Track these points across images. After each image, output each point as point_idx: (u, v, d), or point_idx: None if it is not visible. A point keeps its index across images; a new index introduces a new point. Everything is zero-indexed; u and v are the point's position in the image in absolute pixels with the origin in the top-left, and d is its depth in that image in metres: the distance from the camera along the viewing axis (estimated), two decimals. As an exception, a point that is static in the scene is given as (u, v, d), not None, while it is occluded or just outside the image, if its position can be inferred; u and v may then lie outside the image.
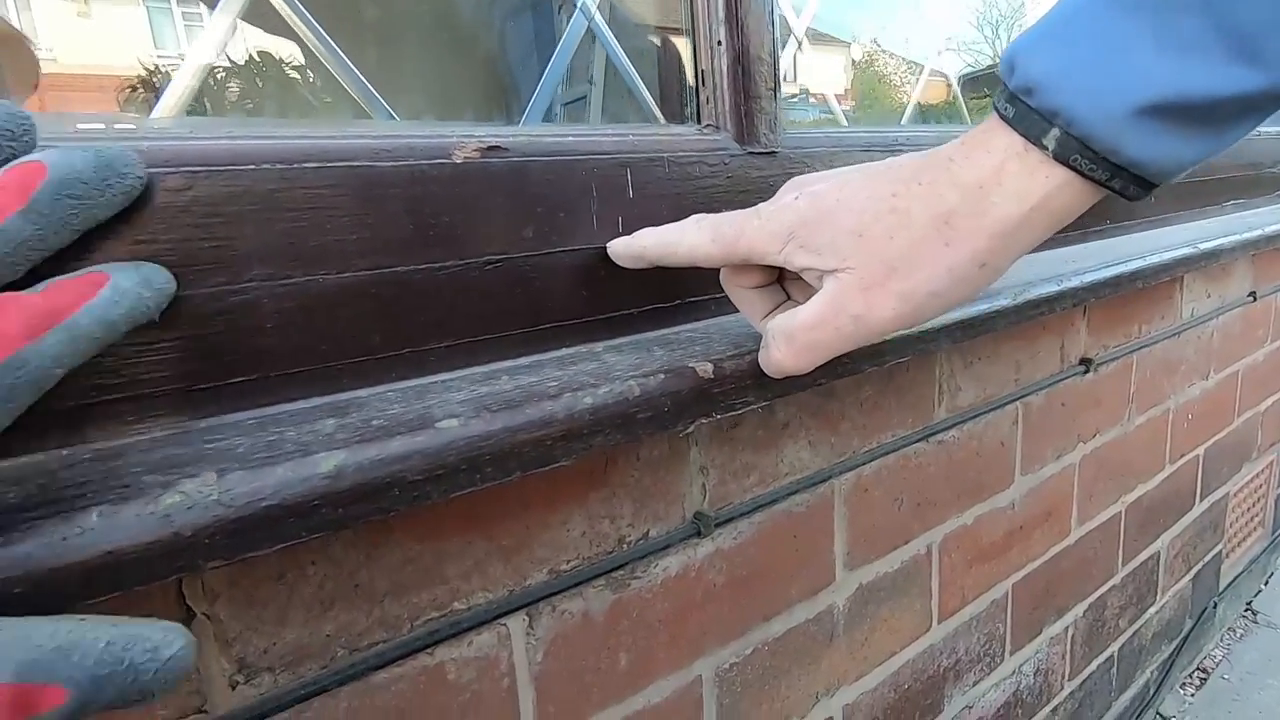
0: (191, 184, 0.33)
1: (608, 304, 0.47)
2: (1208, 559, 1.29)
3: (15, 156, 0.27)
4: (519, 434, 0.35)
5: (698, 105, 0.54)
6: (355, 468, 0.30)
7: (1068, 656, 0.98)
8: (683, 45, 0.55)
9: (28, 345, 0.24)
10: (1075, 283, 0.66)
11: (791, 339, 0.37)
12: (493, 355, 0.43)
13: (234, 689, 0.37)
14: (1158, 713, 1.23)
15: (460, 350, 0.42)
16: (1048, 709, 0.96)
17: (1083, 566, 0.97)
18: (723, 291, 0.44)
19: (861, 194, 0.34)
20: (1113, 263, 0.72)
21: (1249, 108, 0.29)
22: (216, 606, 0.36)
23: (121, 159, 0.29)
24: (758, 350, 0.42)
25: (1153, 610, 1.16)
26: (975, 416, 0.75)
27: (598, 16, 0.60)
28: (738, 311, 0.53)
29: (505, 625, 0.45)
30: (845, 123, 0.94)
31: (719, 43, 0.51)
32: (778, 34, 0.54)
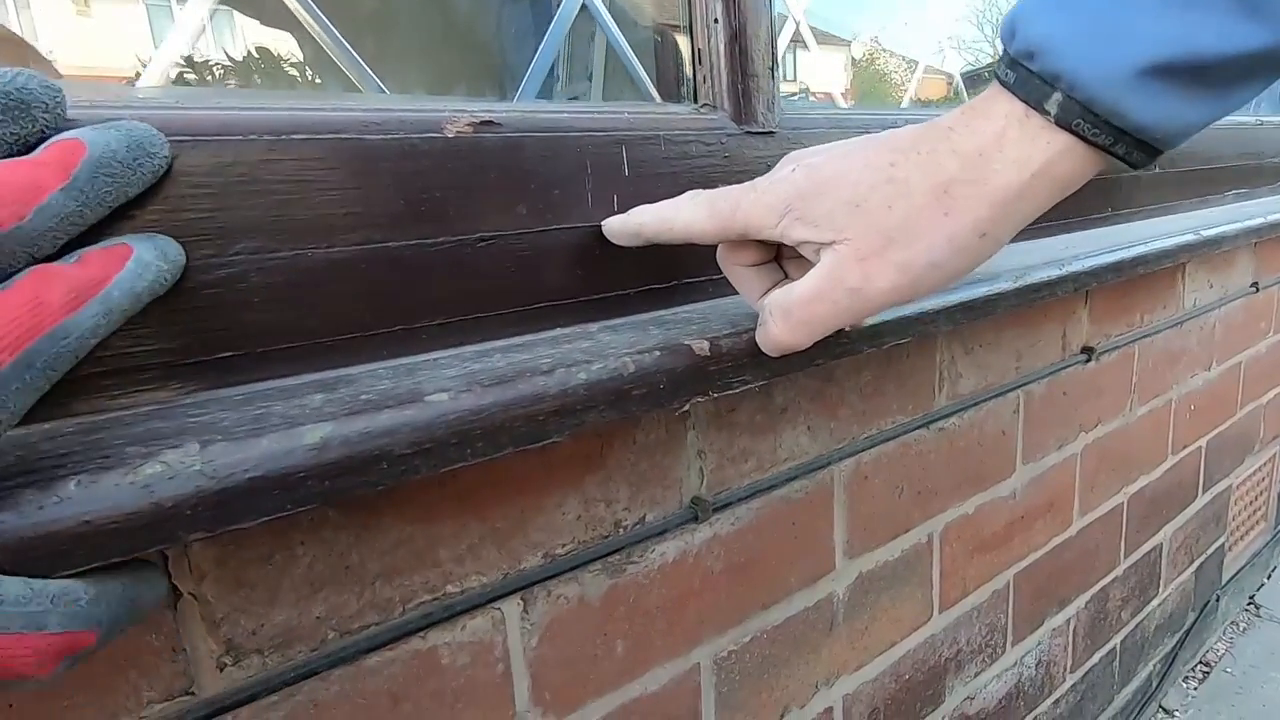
0: (178, 154, 0.32)
1: (603, 284, 0.46)
2: (1210, 552, 1.28)
3: (49, 128, 0.27)
4: (511, 409, 0.34)
5: (694, 84, 0.53)
6: (342, 440, 0.30)
7: (1070, 648, 0.97)
8: (680, 34, 0.55)
9: (69, 317, 0.25)
10: (1077, 267, 0.65)
11: (788, 314, 0.36)
12: (486, 334, 0.42)
13: (222, 670, 0.36)
14: (1161, 706, 1.22)
15: (453, 328, 0.41)
16: (1049, 701, 0.96)
17: (1085, 558, 0.96)
18: (721, 272, 0.43)
19: (859, 164, 0.34)
20: (1115, 248, 0.72)
21: (1254, 67, 0.29)
22: (204, 586, 0.35)
23: (151, 139, 0.30)
24: (755, 329, 0.41)
25: (1155, 603, 1.15)
26: (976, 404, 0.74)
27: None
28: (736, 293, 0.52)
29: (499, 609, 0.45)
30: (844, 111, 0.93)
31: (715, 20, 0.50)
32: (775, 12, 0.53)
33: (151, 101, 0.34)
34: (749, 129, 0.52)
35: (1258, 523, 1.45)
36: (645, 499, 0.50)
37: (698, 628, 0.55)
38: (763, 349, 0.40)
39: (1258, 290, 1.20)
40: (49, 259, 0.27)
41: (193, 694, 0.35)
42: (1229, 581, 1.37)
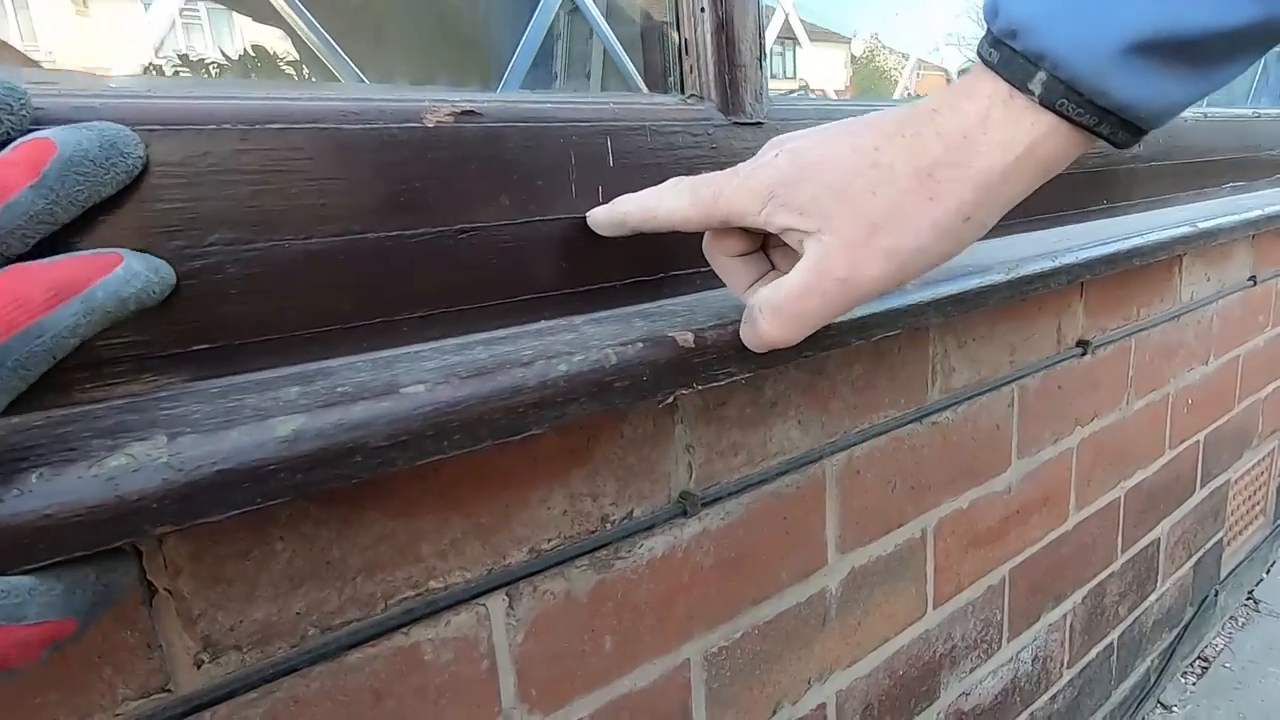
0: (149, 143, 0.32)
1: (589, 276, 0.46)
2: (1209, 546, 1.28)
3: (14, 130, 0.28)
4: (489, 401, 0.33)
5: (681, 75, 0.52)
6: (315, 432, 0.29)
7: (1067, 644, 0.97)
8: (668, 26, 0.54)
9: (47, 315, 0.25)
10: (1070, 259, 0.65)
11: (779, 310, 0.36)
12: (469, 327, 0.42)
13: (199, 668, 0.35)
14: (1159, 701, 1.22)
15: (435, 321, 0.40)
16: (1046, 697, 0.95)
17: (1081, 553, 0.95)
18: (708, 264, 0.43)
19: (844, 149, 0.33)
20: (1109, 240, 0.71)
21: (1242, 43, 0.28)
22: (179, 582, 0.35)
23: (125, 139, 0.30)
24: (739, 322, 0.40)
25: (1153, 598, 1.15)
26: (970, 398, 0.73)
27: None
28: (724, 286, 0.52)
29: (484, 605, 0.44)
30: (838, 104, 0.93)
31: (702, 9, 0.50)
32: (763, 3, 0.52)
33: (123, 91, 0.33)
34: (736, 120, 0.52)
35: (1256, 517, 1.45)
36: (633, 493, 0.50)
37: (687, 623, 0.55)
38: (751, 347, 0.39)
39: (1255, 283, 1.19)
40: (22, 258, 0.26)
41: (169, 691, 0.35)
42: (1228, 576, 1.37)
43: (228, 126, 0.34)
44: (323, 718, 0.39)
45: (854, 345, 0.53)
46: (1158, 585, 1.15)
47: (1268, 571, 1.54)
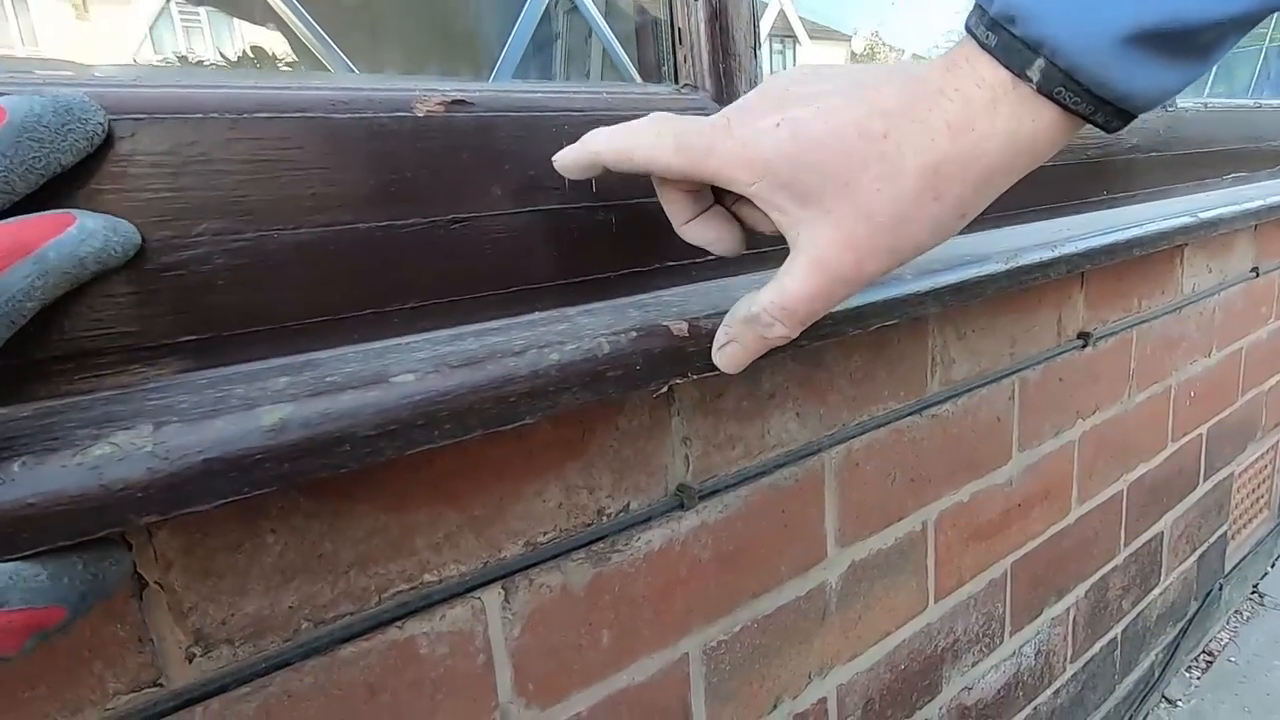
0: (134, 131, 0.32)
1: (582, 267, 0.46)
2: (1213, 540, 1.27)
3: None
4: (480, 390, 0.33)
5: (675, 65, 0.52)
6: (301, 422, 0.29)
7: (1070, 638, 0.97)
8: (662, 16, 0.54)
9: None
10: (1070, 249, 0.64)
11: (793, 314, 0.34)
12: (461, 318, 0.41)
13: (191, 661, 0.35)
14: (1164, 696, 1.21)
15: (425, 313, 0.40)
16: (1049, 691, 0.95)
17: (1084, 546, 0.95)
18: (705, 255, 0.42)
19: (850, 129, 0.32)
20: (1110, 229, 0.71)
21: (1240, 26, 0.28)
22: (170, 575, 0.34)
23: (81, 105, 0.29)
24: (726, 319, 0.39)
25: (1157, 592, 1.14)
26: (970, 390, 0.73)
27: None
28: (720, 276, 0.51)
29: (479, 599, 0.44)
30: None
31: (695, -2, 0.50)
32: (758, -7, 0.52)
33: (108, 79, 0.33)
34: (731, 109, 0.51)
35: (1260, 510, 1.44)
36: (629, 486, 0.50)
37: (686, 617, 0.54)
38: (762, 352, 0.38)
39: (1258, 275, 1.18)
40: None
41: (161, 685, 0.35)
42: (1232, 570, 1.36)
43: (215, 115, 0.34)
44: (316, 712, 0.39)
45: (851, 335, 0.53)
46: (1161, 579, 1.15)
47: (1272, 565, 1.54)
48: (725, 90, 0.51)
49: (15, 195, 0.27)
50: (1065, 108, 0.30)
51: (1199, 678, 1.26)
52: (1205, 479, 1.20)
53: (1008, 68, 0.30)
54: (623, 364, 0.38)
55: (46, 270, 0.26)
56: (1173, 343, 1.03)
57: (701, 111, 0.50)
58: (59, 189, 0.30)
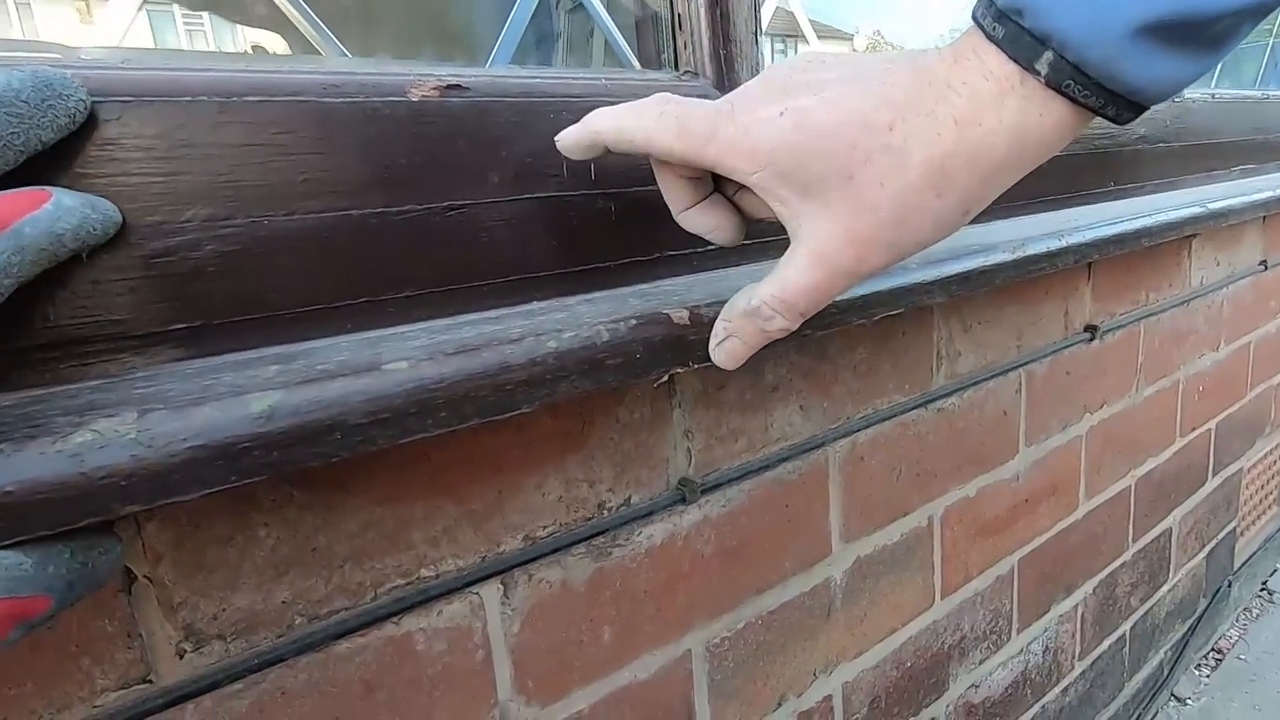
0: (121, 114, 0.31)
1: (581, 256, 0.45)
2: (1222, 536, 1.26)
3: None
4: (475, 378, 0.32)
5: (675, 52, 0.51)
6: (291, 409, 0.28)
7: (1078, 635, 0.95)
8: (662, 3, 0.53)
9: None
10: (1078, 238, 0.63)
11: (793, 307, 0.34)
12: (457, 307, 0.40)
13: (182, 657, 0.34)
14: (1173, 694, 1.20)
15: (421, 301, 0.39)
16: (1058, 689, 0.94)
17: (1091, 542, 0.94)
18: (706, 245, 0.41)
19: (855, 121, 0.31)
20: (1117, 219, 0.69)
21: (1252, 16, 0.27)
22: (160, 569, 0.34)
23: (61, 81, 0.29)
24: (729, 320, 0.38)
25: (1165, 589, 1.13)
26: (976, 383, 0.72)
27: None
28: (721, 266, 0.51)
29: (478, 594, 0.43)
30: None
31: (695, -17, 0.49)
32: (759, -22, 0.51)
33: (95, 62, 0.32)
34: (732, 96, 0.50)
35: (1270, 506, 1.43)
36: (630, 479, 0.49)
37: (688, 613, 0.53)
38: (762, 346, 0.37)
39: (1266, 268, 1.17)
40: None
41: (150, 682, 0.34)
42: (1241, 567, 1.34)
43: (204, 99, 0.33)
44: (311, 710, 0.38)
45: (856, 327, 0.52)
46: (1170, 576, 1.13)
47: (1282, 562, 1.52)
48: (726, 77, 0.50)
49: None
50: (1075, 101, 0.29)
51: (1208, 676, 1.25)
52: (1214, 474, 1.19)
53: (1015, 60, 0.29)
54: (622, 352, 0.37)
55: (23, 246, 0.25)
56: (1181, 336, 1.02)
57: (702, 97, 0.49)
58: (42, 172, 0.29)
